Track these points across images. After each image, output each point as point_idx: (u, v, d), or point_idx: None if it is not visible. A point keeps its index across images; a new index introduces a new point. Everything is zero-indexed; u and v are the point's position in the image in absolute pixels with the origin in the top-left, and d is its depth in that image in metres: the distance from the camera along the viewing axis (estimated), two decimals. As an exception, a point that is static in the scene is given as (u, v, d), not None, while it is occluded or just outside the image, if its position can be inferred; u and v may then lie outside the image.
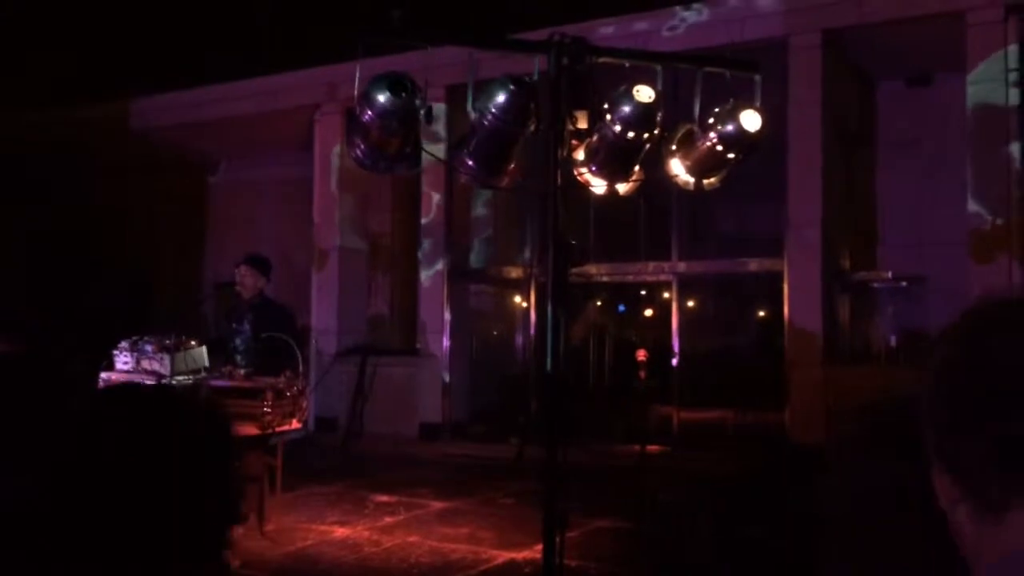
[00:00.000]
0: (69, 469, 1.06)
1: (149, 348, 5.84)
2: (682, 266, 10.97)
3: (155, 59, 11.17)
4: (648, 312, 13.20)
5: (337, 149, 11.28)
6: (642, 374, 10.06)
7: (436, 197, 11.06)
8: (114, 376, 5.96)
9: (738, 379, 10.47)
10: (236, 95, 11.84)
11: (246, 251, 7.43)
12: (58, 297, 9.31)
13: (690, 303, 11.44)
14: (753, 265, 10.52)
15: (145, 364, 5.82)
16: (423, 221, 11.19)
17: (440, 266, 11.08)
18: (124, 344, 6.00)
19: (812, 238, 9.34)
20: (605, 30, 9.77)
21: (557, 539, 3.78)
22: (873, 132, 10.51)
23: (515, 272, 11.80)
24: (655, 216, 11.14)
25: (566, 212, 3.30)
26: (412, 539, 5.98)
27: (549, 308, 3.31)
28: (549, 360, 3.42)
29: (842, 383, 8.85)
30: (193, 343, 5.80)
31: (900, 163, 10.19)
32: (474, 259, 11.95)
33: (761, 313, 12.28)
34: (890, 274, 9.81)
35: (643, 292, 13.09)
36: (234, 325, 6.28)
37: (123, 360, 5.99)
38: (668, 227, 11.05)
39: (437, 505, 7.05)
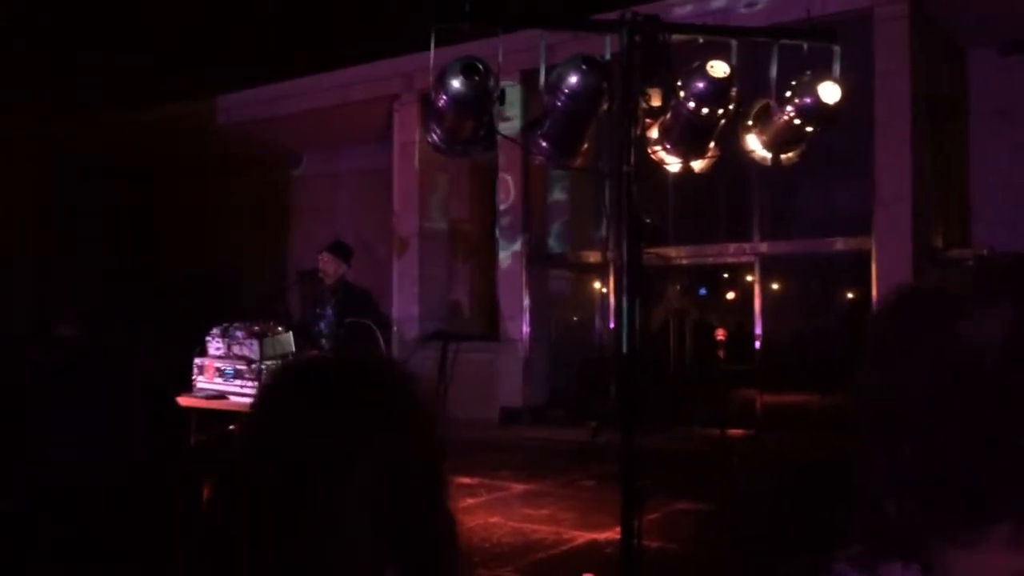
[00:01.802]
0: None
1: (239, 334, 6.04)
2: (764, 247, 10.76)
3: (239, 56, 11.49)
4: (730, 294, 13.01)
5: (415, 137, 11.43)
6: (721, 353, 9.94)
7: (513, 183, 11.12)
8: (207, 361, 6.20)
9: (824, 361, 10.24)
10: (316, 88, 12.11)
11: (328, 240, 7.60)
12: (146, 288, 9.71)
13: (773, 284, 11.23)
14: (839, 244, 10.26)
15: (235, 349, 6.04)
16: (501, 207, 11.26)
17: (518, 251, 11.14)
18: (216, 331, 6.23)
19: (901, 215, 9.05)
20: (680, 10, 9.64)
21: (635, 520, 3.79)
22: (965, 103, 10.10)
23: (593, 256, 11.77)
24: (736, 196, 10.95)
25: (641, 192, 3.29)
26: (494, 520, 6.06)
27: (624, 289, 3.31)
28: (625, 342, 3.42)
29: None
30: (280, 329, 5.98)
31: (994, 134, 9.78)
32: (552, 244, 11.98)
33: (848, 294, 11.97)
34: (985, 251, 9.43)
35: (725, 274, 12.91)
36: (318, 310, 6.45)
37: (215, 346, 6.23)
38: (749, 207, 10.86)
39: (518, 487, 7.13)
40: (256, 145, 13.20)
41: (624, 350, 3.41)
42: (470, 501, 6.63)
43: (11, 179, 11.50)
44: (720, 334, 9.91)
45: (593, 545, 5.49)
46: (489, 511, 6.31)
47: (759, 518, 5.99)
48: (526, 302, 11.09)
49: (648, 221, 3.30)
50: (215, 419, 6.21)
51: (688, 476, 7.29)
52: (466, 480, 7.32)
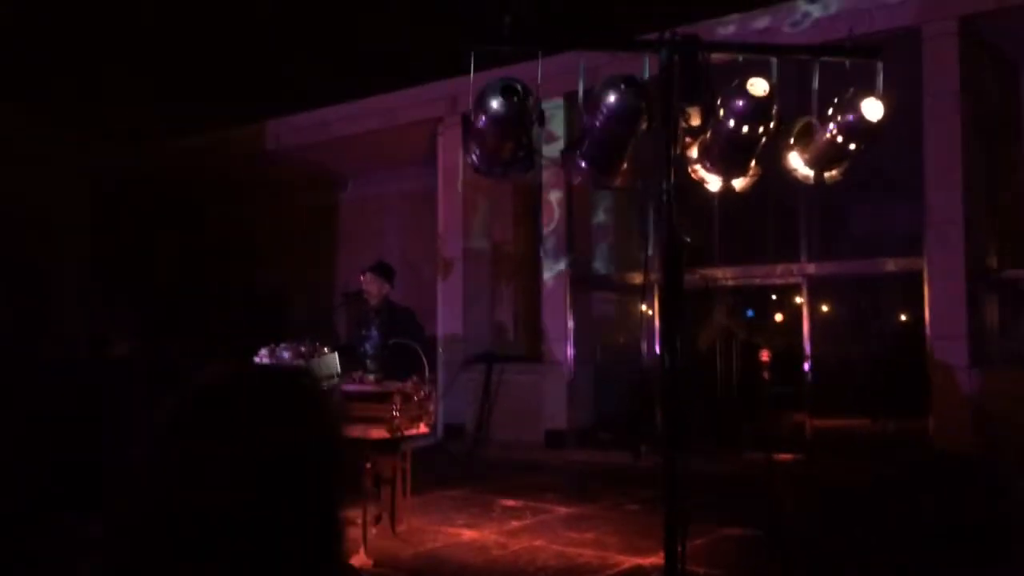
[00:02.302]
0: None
1: (286, 355, 6.13)
2: (812, 267, 10.62)
3: (288, 82, 11.75)
4: (778, 316, 12.84)
5: (459, 160, 11.53)
6: (766, 375, 9.79)
7: (557, 204, 11.14)
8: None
9: (876, 385, 10.03)
10: (362, 113, 12.30)
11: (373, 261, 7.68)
12: (197, 308, 9.90)
13: (822, 306, 11.05)
14: (890, 265, 10.07)
15: (281, 370, 6.13)
16: (545, 229, 11.28)
17: (562, 273, 11.13)
18: (263, 351, 6.32)
19: (954, 235, 8.86)
20: (724, 30, 9.62)
21: (680, 545, 3.73)
22: (1018, 121, 9.89)
23: (637, 277, 11.72)
24: (783, 216, 10.83)
25: (681, 211, 3.28)
26: (538, 543, 6.02)
27: (663, 310, 3.29)
28: (666, 363, 3.39)
29: (992, 387, 8.35)
30: (326, 349, 6.05)
31: (1050, 152, 9.55)
32: (597, 265, 11.96)
33: (899, 315, 11.73)
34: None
35: (773, 296, 12.75)
36: (363, 331, 6.52)
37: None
38: (797, 228, 10.73)
39: (563, 510, 7.08)
40: (304, 168, 13.43)
41: (666, 371, 3.38)
42: (515, 524, 6.60)
43: (67, 201, 11.86)
44: (764, 355, 9.77)
45: (638, 570, 5.42)
46: (533, 534, 6.28)
47: (807, 544, 5.87)
48: (570, 324, 11.07)
49: (688, 240, 3.28)
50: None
51: (735, 501, 7.18)
52: (511, 502, 7.29)
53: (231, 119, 12.81)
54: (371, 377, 5.94)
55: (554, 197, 11.10)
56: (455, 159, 11.73)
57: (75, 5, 9.43)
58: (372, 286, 6.46)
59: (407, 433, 5.63)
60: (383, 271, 6.55)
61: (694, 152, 3.53)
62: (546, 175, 10.98)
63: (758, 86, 3.32)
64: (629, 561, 5.53)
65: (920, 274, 9.22)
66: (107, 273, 11.53)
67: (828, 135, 3.46)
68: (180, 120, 12.56)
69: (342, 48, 10.76)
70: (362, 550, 5.39)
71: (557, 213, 11.17)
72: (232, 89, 11.93)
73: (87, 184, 12.18)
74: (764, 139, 3.44)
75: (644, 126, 3.35)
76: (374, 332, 6.43)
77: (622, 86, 3.23)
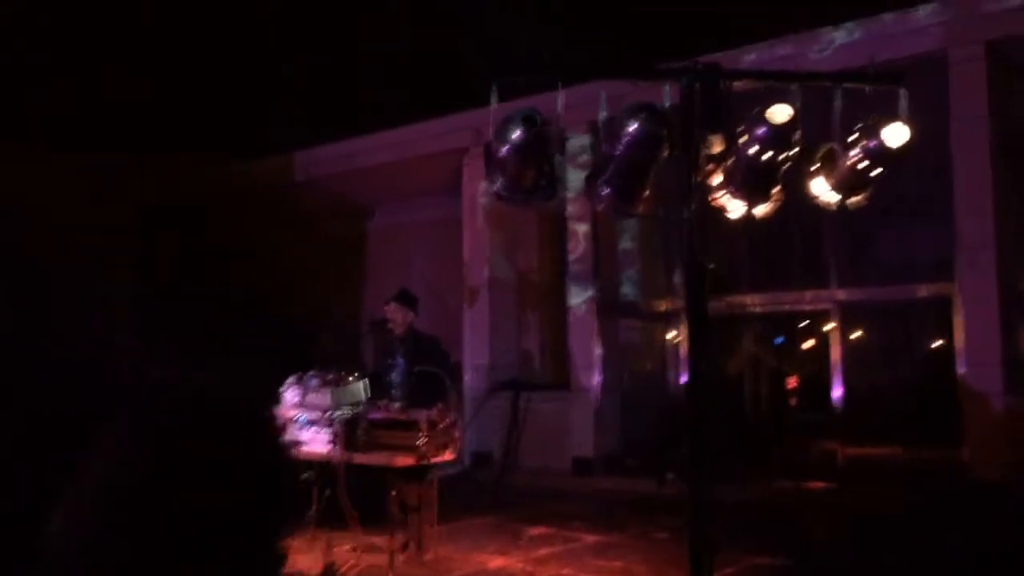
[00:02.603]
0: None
1: (314, 383, 6.18)
2: (842, 294, 10.53)
3: (316, 113, 11.94)
4: (807, 343, 12.72)
5: (484, 189, 11.62)
6: (793, 401, 9.69)
7: (583, 232, 11.16)
8: (282, 409, 6.34)
9: (907, 412, 9.89)
10: (389, 143, 12.45)
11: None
12: (225, 335, 10.00)
13: (851, 333, 10.93)
14: (921, 291, 9.97)
15: (310, 398, 6.17)
16: (570, 256, 11.30)
17: (589, 300, 11.13)
18: (291, 380, 6.38)
19: (985, 260, 8.75)
20: (747, 58, 9.64)
21: (706, 574, 3.70)
22: (1048, 144, 9.78)
23: (664, 305, 11.68)
24: (811, 242, 10.77)
25: (704, 238, 3.29)
26: (566, 571, 5.98)
27: (688, 336, 3.29)
28: (690, 390, 3.39)
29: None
30: (352, 378, 6.09)
31: (1082, 175, 9.43)
32: (623, 292, 11.94)
33: (931, 342, 11.58)
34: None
35: (802, 323, 12.64)
36: (389, 360, 6.56)
37: (291, 394, 6.38)
38: (825, 254, 10.66)
39: (590, 538, 7.03)
40: (332, 198, 13.58)
41: (690, 398, 3.38)
42: (543, 552, 6.56)
43: (99, 225, 12.09)
44: (791, 382, 9.67)
45: (665, 599, 5.37)
46: (561, 562, 6.24)
47: (837, 573, 5.78)
48: (597, 351, 11.04)
49: (711, 267, 3.28)
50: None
51: (764, 529, 7.09)
52: (539, 530, 7.26)
53: (261, 150, 13.03)
54: (397, 405, 5.96)
55: (580, 225, 11.12)
56: (480, 189, 11.81)
57: (116, 36, 9.68)
58: (396, 315, 6.51)
59: (433, 460, 5.64)
60: (407, 300, 6.60)
61: (716, 179, 3.55)
62: (572, 204, 11.03)
63: (779, 113, 3.34)
64: (657, 591, 5.48)
65: (951, 300, 9.11)
66: (145, 300, 11.73)
67: (851, 160, 3.47)
68: (212, 151, 12.79)
69: (370, 79, 10.94)
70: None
71: (583, 240, 11.19)
72: (262, 120, 12.15)
73: (128, 212, 12.42)
74: (786, 165, 3.44)
75: (666, 153, 3.38)
76: (400, 360, 6.47)
77: (643, 114, 3.26)
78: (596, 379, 10.96)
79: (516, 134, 3.26)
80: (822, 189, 3.61)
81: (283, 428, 5.52)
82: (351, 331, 12.00)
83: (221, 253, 12.68)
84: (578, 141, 9.94)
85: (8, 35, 9.05)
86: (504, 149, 3.32)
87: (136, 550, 0.97)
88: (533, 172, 3.42)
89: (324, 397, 5.95)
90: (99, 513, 1.00)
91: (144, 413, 1.06)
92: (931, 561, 6.00)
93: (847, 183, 3.57)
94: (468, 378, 11.47)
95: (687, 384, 3.15)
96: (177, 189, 12.96)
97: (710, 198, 3.52)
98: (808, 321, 11.76)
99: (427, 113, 11.86)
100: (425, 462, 5.57)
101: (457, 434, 5.84)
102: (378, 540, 5.85)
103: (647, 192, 3.54)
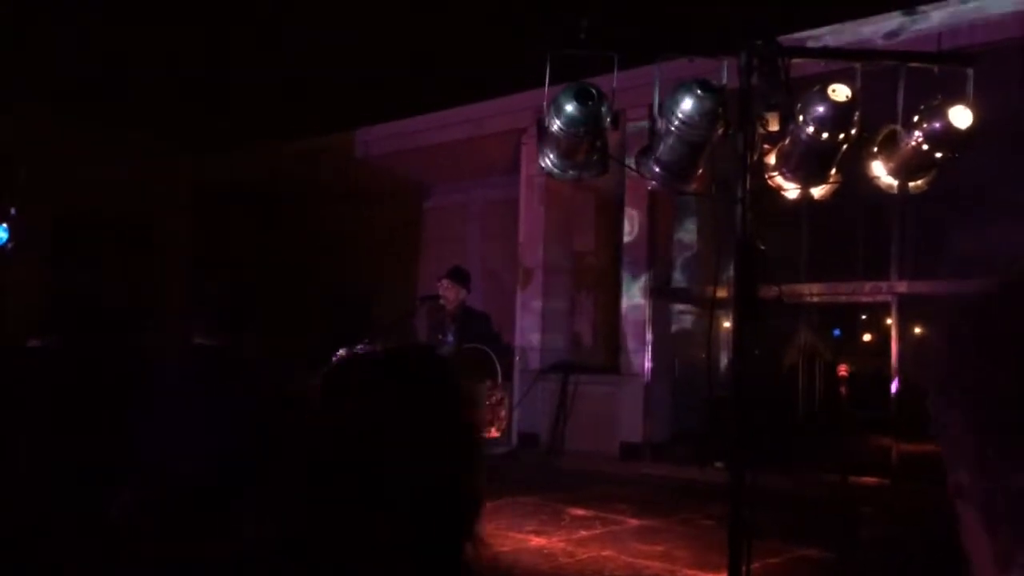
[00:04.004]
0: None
1: (363, 356, 6.27)
2: (903, 286, 10.25)
3: (377, 91, 12.01)
4: (867, 336, 12.46)
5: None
6: (843, 390, 9.50)
7: (639, 216, 11.06)
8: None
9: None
10: (449, 123, 12.48)
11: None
12: (283, 310, 10.19)
13: (913, 327, 10.65)
14: (987, 286, 9.65)
15: (359, 370, 6.26)
16: (626, 240, 11.21)
17: (643, 285, 11.04)
18: (342, 352, 6.48)
19: (1056, 255, 8.44)
20: (815, 43, 9.40)
21: (745, 559, 3.67)
22: None
23: (720, 291, 11.51)
24: (875, 231, 10.49)
25: (758, 219, 3.23)
26: (606, 553, 5.97)
27: (735, 321, 3.24)
28: (736, 375, 3.35)
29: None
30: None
31: None
32: (677, 278, 11.81)
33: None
34: None
35: (860, 315, 12.39)
36: (440, 336, 6.62)
37: (340, 366, 6.48)
38: (888, 243, 10.37)
39: (633, 522, 7.01)
40: (390, 176, 13.69)
41: (735, 381, 3.33)
42: (583, 533, 6.57)
43: (159, 204, 12.39)
44: (842, 369, 9.46)
45: (707, 585, 5.33)
46: (602, 544, 6.23)
47: (886, 570, 5.67)
48: (649, 337, 10.96)
49: (763, 248, 3.23)
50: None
51: (813, 522, 6.99)
52: (581, 512, 7.26)
53: (321, 128, 13.17)
54: (445, 380, 6.01)
55: (636, 210, 11.03)
56: (539, 169, 11.76)
57: (171, 17, 9.87)
58: (449, 292, 6.57)
59: (479, 437, 5.68)
60: (459, 277, 6.65)
61: (772, 159, 3.48)
62: (629, 189, 10.93)
63: (840, 92, 3.25)
64: (698, 576, 5.45)
65: (1019, 296, 8.81)
66: (197, 274, 12.00)
67: (913, 143, 3.37)
68: (274, 127, 12.98)
69: (430, 58, 10.95)
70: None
71: (638, 226, 11.10)
72: (325, 98, 12.26)
73: (180, 187, 12.70)
74: (845, 146, 3.36)
75: (720, 131, 3.32)
76: (450, 337, 6.53)
77: (698, 90, 3.21)
78: (647, 365, 10.89)
79: (569, 109, 3.24)
80: (881, 172, 3.51)
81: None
82: (406, 307, 12.13)
83: (278, 230, 12.90)
84: (638, 126, 9.85)
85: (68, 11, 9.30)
86: (556, 124, 3.30)
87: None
88: (585, 147, 3.40)
89: (373, 369, 6.03)
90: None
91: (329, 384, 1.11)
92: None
93: (908, 166, 3.47)
94: (518, 358, 11.49)
95: (733, 367, 3.12)
96: (234, 166, 13.20)
97: (765, 177, 3.45)
98: (867, 313, 11.51)
99: (487, 93, 11.85)
100: (470, 437, 5.62)
101: (503, 412, 5.87)
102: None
103: (700, 170, 3.49)
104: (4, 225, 9.47)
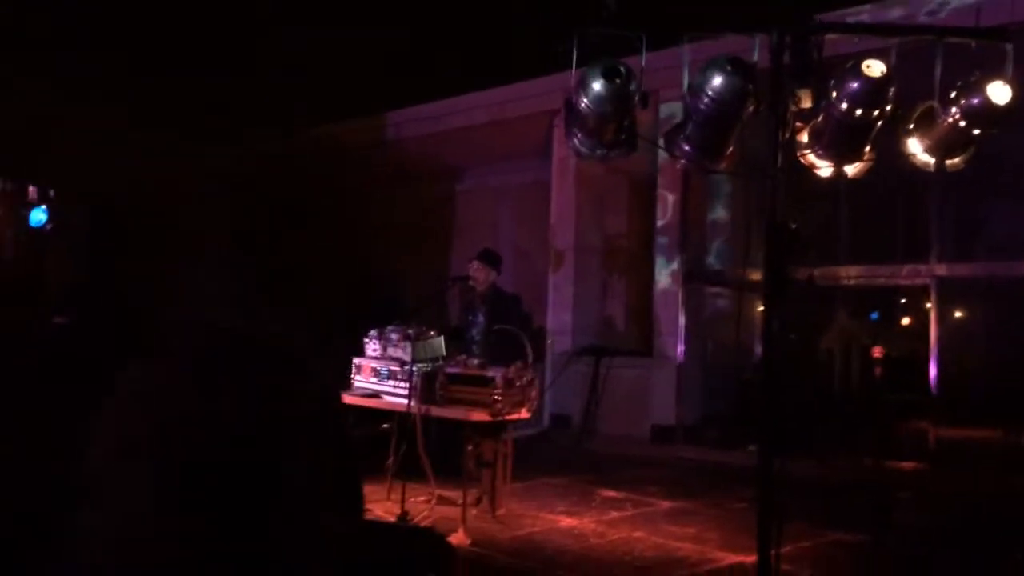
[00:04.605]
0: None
1: (394, 337, 6.30)
2: (942, 269, 10.08)
3: (408, 74, 12.03)
4: (905, 320, 12.28)
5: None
6: (885, 379, 9.37)
7: (672, 198, 10.98)
8: (364, 361, 6.50)
9: (1007, 394, 9.44)
10: (480, 105, 12.46)
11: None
12: (315, 292, 10.26)
13: (952, 310, 10.48)
14: (1027, 268, 9.47)
15: (390, 351, 6.30)
16: (659, 222, 11.14)
17: (675, 268, 10.98)
18: (373, 333, 6.52)
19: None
20: (853, 20, 9.23)
21: (774, 541, 3.64)
22: None
23: (754, 274, 11.40)
24: (913, 213, 10.31)
25: (791, 198, 3.19)
26: (637, 534, 5.97)
27: (765, 300, 3.20)
28: (765, 356, 3.31)
29: None
30: (432, 333, 6.18)
31: None
32: (711, 261, 11.72)
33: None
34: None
35: (898, 298, 12.20)
36: (470, 317, 6.63)
37: (372, 347, 6.52)
38: (928, 226, 10.19)
39: (665, 504, 6.99)
40: (422, 159, 13.71)
41: (764, 362, 3.30)
42: (614, 514, 6.56)
43: (190, 189, 12.51)
44: (876, 351, 9.34)
45: (739, 568, 5.30)
46: (633, 525, 6.22)
47: (920, 554, 5.60)
48: (682, 320, 10.90)
49: (795, 226, 3.18)
50: (370, 416, 6.50)
51: (847, 506, 6.93)
52: (612, 494, 7.26)
53: (353, 110, 13.22)
54: (475, 362, 6.02)
55: (670, 193, 10.95)
56: (569, 151, 11.69)
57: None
58: (479, 273, 6.57)
59: (508, 417, 5.69)
60: (490, 259, 6.64)
61: (804, 137, 3.42)
62: (662, 171, 10.84)
63: (875, 67, 3.19)
64: (729, 558, 5.42)
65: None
66: (226, 257, 12.11)
67: (951, 120, 3.29)
68: (306, 111, 13.04)
69: (461, 40, 10.94)
70: (461, 530, 5.48)
71: (672, 208, 11.02)
72: (355, 82, 12.30)
73: (217, 174, 12.81)
74: (879, 123, 3.29)
75: (751, 109, 3.27)
76: (480, 318, 6.54)
77: (728, 67, 3.16)
78: (679, 348, 10.83)
79: (596, 86, 3.21)
80: (917, 149, 3.44)
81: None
82: (436, 289, 12.19)
83: (310, 212, 12.97)
84: (671, 108, 9.76)
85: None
86: (584, 102, 3.27)
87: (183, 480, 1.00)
88: (613, 126, 3.37)
89: (403, 350, 6.07)
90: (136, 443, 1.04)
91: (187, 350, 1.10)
92: (1020, 546, 5.76)
93: (945, 144, 3.39)
94: (550, 341, 11.49)
95: (763, 348, 3.08)
96: (267, 149, 13.28)
97: (798, 155, 3.40)
98: (905, 296, 11.34)
99: (518, 75, 11.80)
100: (500, 419, 5.63)
101: (533, 393, 5.87)
102: (452, 493, 5.95)
103: (731, 149, 3.44)
104: (44, 207, 9.65)
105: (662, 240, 11.12)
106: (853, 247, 10.74)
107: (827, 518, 6.19)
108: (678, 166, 4.03)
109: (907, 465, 9.08)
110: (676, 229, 10.97)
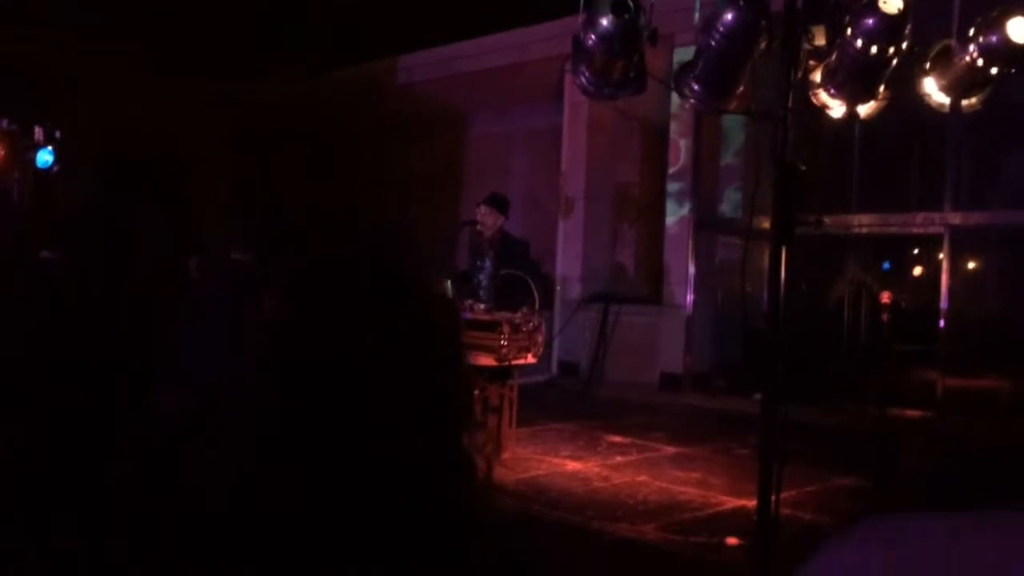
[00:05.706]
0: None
1: (401, 281, 6.30)
2: (956, 218, 9.94)
3: (419, 16, 11.84)
4: (916, 269, 12.19)
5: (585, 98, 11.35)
6: (885, 317, 9.33)
7: (685, 145, 10.84)
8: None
9: (1017, 344, 9.39)
10: (492, 48, 12.26)
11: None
12: (326, 238, 10.27)
13: (965, 259, 10.37)
14: (1042, 217, 9.34)
15: (397, 295, 6.29)
16: (670, 170, 11.02)
17: (686, 216, 10.89)
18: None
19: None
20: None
21: (775, 485, 3.65)
22: None
23: (765, 222, 11.30)
24: (928, 159, 10.14)
25: (802, 139, 3.12)
26: (641, 478, 6.02)
27: (771, 246, 3.16)
28: (770, 304, 3.28)
29: None
30: (439, 278, 6.16)
31: None
32: (722, 209, 11.61)
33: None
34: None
35: (911, 247, 12.08)
36: (478, 262, 6.61)
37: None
38: (942, 173, 10.03)
39: (670, 450, 7.04)
40: (434, 104, 13.56)
41: (770, 307, 3.27)
42: (619, 459, 6.61)
43: (203, 134, 12.46)
44: (885, 296, 9.28)
45: (741, 511, 5.34)
46: (637, 470, 6.28)
47: (922, 498, 5.63)
48: (692, 268, 10.85)
49: (804, 170, 3.12)
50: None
51: (852, 452, 6.95)
52: (618, 439, 7.30)
53: (364, 55, 13.05)
54: (482, 307, 6.02)
55: (682, 139, 10.80)
56: (581, 96, 11.52)
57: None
58: (487, 218, 6.52)
59: (514, 363, 5.70)
60: (498, 203, 6.59)
61: (817, 76, 3.34)
62: (674, 114, 10.69)
63: (891, 3, 3.09)
64: (732, 502, 5.46)
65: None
66: (243, 203, 12.12)
67: (968, 58, 3.20)
68: (315, 57, 12.89)
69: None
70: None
71: (684, 156, 10.89)
72: (365, 26, 12.12)
73: (228, 115, 12.74)
74: (895, 61, 3.21)
75: (763, 46, 3.19)
76: (488, 263, 6.51)
77: (741, 2, 3.08)
78: (689, 296, 10.80)
79: (605, 23, 3.13)
80: (932, 89, 3.36)
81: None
82: (446, 235, 12.14)
83: (319, 158, 12.90)
84: (683, 54, 9.58)
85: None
86: (591, 39, 3.19)
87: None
88: (622, 64, 3.29)
89: (411, 295, 6.06)
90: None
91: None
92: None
93: (961, 83, 3.31)
94: (559, 288, 11.47)
95: (768, 294, 3.05)
96: (277, 93, 13.16)
97: (810, 94, 3.32)
98: (918, 246, 11.23)
99: (530, 18, 11.59)
100: (506, 363, 5.64)
101: (540, 338, 5.87)
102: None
103: (741, 88, 3.37)
104: (50, 148, 9.61)
105: (673, 187, 11.01)
106: (865, 195, 10.61)
107: (831, 463, 6.22)
108: (687, 106, 3.94)
109: (914, 413, 9.09)
110: (688, 175, 10.86)
